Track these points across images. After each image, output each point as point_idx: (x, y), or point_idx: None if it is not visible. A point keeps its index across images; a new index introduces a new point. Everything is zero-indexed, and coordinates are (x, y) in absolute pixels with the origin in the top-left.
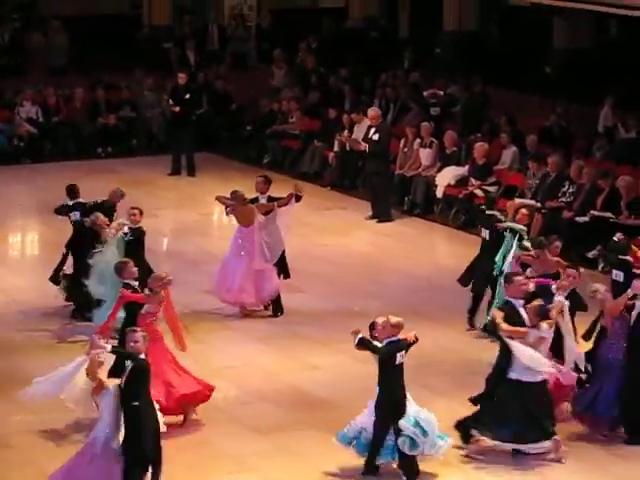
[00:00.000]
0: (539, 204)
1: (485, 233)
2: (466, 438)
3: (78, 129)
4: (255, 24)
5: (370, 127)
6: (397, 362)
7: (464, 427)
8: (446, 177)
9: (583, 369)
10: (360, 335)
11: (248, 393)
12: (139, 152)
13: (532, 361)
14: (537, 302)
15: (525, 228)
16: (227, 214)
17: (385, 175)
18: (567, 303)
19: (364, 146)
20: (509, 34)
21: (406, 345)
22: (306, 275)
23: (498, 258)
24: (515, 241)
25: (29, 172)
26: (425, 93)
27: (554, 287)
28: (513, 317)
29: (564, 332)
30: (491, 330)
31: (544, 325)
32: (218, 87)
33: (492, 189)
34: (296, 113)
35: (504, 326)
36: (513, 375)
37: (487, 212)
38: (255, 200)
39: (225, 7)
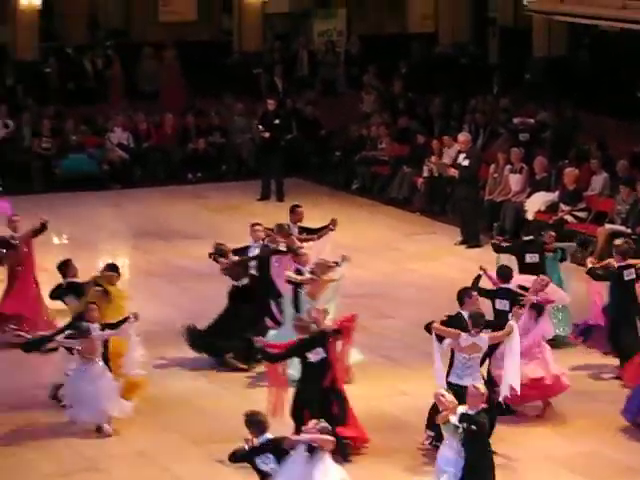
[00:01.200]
0: (629, 230)
1: (533, 257)
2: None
3: (168, 154)
4: (344, 50)
5: (459, 152)
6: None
7: None
8: (536, 203)
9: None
10: (460, 412)
11: None
12: (229, 177)
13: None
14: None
15: (574, 244)
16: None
17: (474, 201)
18: (516, 327)
19: (454, 171)
20: (599, 59)
21: None
22: (395, 300)
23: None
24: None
25: (119, 197)
26: (515, 120)
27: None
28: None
29: (506, 353)
30: None
31: (483, 335)
32: (307, 113)
33: (582, 215)
34: (385, 139)
35: (436, 325)
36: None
37: (524, 239)
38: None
39: (315, 33)
